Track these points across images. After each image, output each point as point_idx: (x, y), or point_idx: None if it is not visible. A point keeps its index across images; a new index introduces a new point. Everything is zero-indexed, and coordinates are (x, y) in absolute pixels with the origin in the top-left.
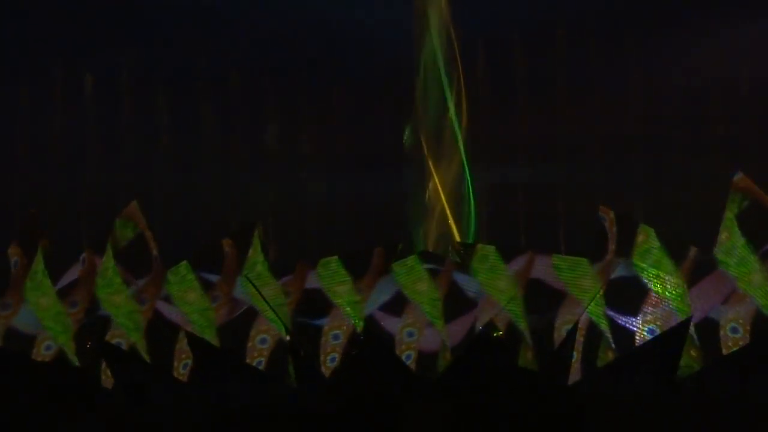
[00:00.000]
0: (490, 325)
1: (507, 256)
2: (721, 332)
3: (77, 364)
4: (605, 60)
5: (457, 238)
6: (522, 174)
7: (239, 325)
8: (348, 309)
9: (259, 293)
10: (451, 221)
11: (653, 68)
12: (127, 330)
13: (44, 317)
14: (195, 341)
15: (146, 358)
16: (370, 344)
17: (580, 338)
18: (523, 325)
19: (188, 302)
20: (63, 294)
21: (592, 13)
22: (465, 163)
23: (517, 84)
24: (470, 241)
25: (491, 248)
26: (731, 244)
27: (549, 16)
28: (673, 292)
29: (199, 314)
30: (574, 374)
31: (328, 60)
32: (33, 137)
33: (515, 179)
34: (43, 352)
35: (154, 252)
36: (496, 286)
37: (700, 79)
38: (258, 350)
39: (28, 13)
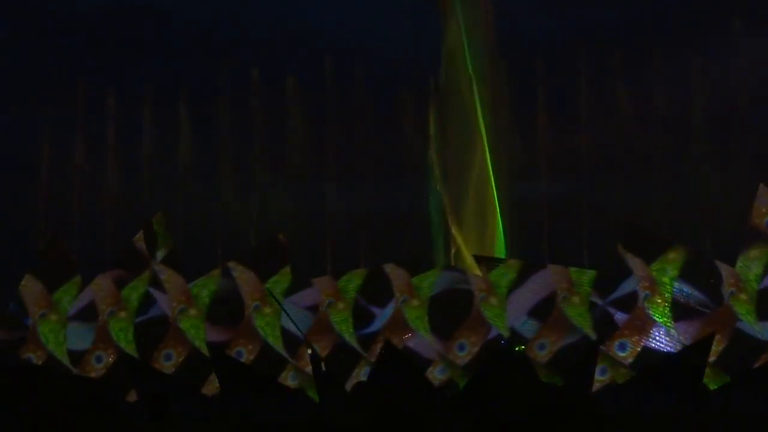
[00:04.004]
0: (512, 340)
1: (531, 270)
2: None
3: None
4: (627, 75)
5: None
6: (548, 188)
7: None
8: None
9: (282, 308)
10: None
11: (676, 83)
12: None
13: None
14: (219, 357)
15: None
16: (393, 360)
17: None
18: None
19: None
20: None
21: (613, 30)
22: (492, 179)
23: (542, 101)
24: (501, 255)
25: (514, 262)
26: (747, 264)
27: (573, 34)
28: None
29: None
30: (596, 388)
31: (353, 74)
32: (55, 152)
33: (541, 193)
34: (93, 366)
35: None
36: (519, 300)
37: (722, 91)
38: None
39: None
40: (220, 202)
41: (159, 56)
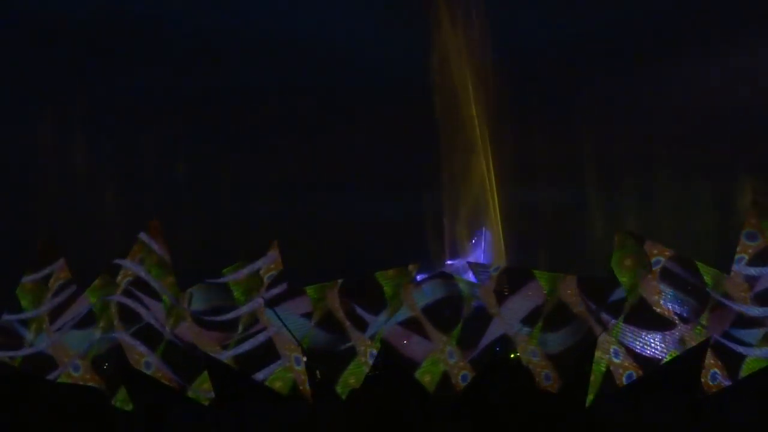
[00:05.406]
0: (507, 347)
1: (525, 277)
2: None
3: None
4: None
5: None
6: (545, 195)
7: (259, 348)
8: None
9: (278, 317)
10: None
11: (673, 90)
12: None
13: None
14: (213, 365)
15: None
16: (389, 365)
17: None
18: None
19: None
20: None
21: (610, 36)
22: (492, 184)
23: (537, 108)
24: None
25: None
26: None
27: (569, 42)
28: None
29: None
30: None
31: (351, 84)
32: (53, 157)
33: (539, 200)
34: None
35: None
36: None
37: (719, 100)
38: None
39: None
40: (218, 209)
41: (156, 63)
